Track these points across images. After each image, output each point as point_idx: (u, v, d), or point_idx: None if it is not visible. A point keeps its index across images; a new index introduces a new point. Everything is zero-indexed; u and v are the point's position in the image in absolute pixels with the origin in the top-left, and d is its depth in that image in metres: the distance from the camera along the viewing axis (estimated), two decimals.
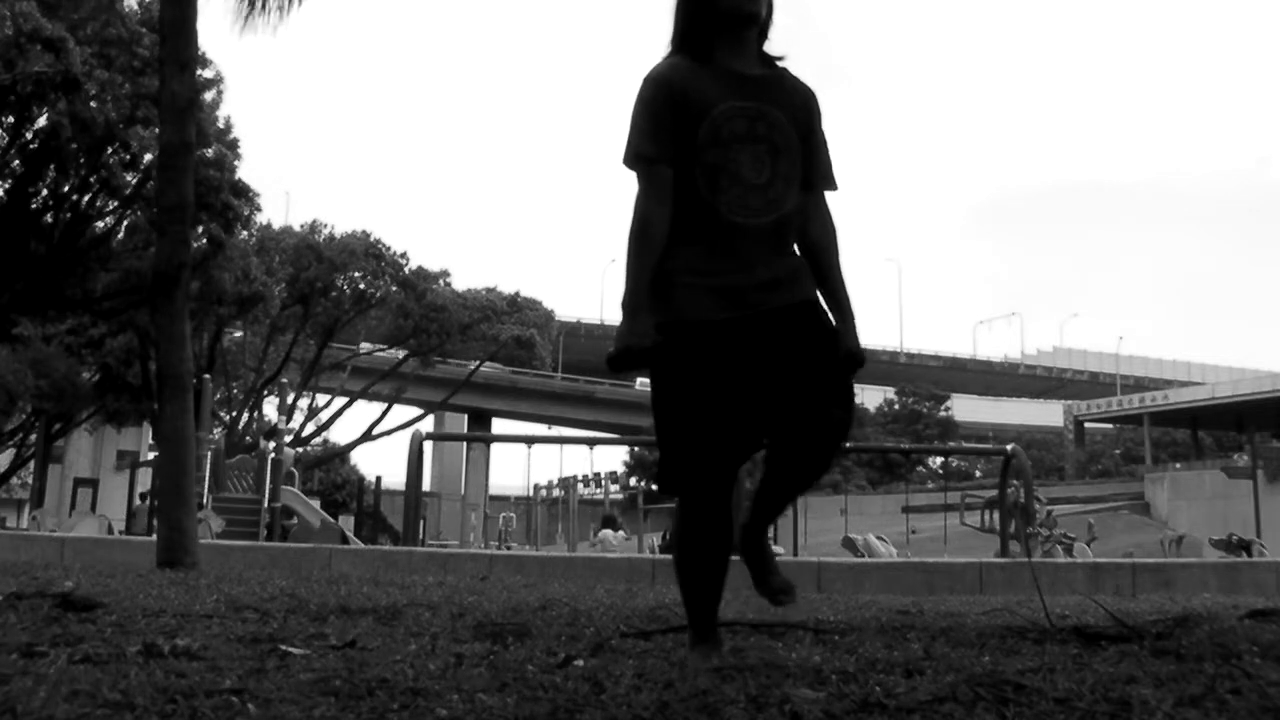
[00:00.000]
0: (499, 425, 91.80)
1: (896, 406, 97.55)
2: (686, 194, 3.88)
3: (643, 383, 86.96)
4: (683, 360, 3.81)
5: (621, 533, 28.49)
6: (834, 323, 4.06)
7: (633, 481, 76.63)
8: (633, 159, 3.95)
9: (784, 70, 4.11)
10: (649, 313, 3.84)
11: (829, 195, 4.18)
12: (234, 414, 48.98)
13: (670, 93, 3.92)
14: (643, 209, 3.90)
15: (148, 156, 31.38)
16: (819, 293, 4.08)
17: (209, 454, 27.35)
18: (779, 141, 3.93)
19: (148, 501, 32.63)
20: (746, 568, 4.09)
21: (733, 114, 3.90)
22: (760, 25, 4.03)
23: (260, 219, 39.12)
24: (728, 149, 3.88)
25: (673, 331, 3.82)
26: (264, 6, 14.63)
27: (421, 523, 22.74)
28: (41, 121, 32.43)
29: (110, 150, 32.46)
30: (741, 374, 3.79)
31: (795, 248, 4.06)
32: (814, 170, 4.09)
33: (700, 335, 3.80)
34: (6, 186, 34.42)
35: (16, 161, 33.69)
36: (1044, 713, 2.86)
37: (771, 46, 4.11)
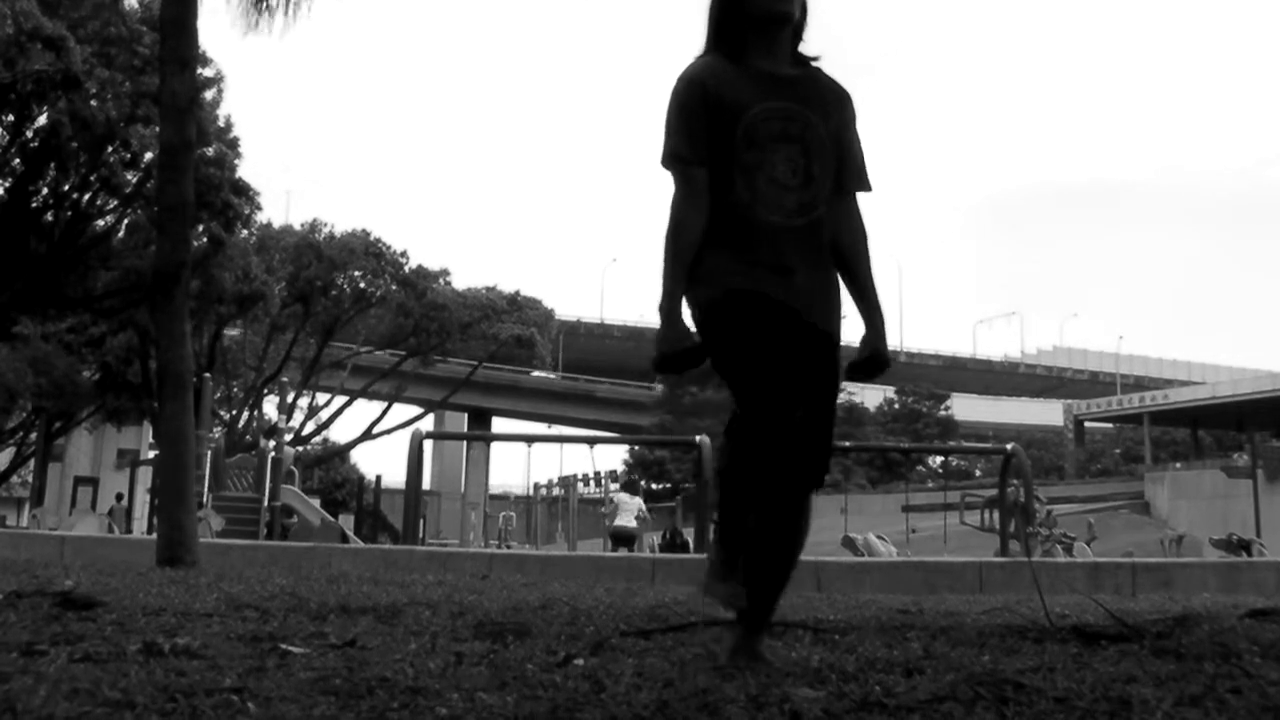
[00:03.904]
0: (499, 424, 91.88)
1: (896, 406, 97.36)
2: (722, 195, 3.89)
3: (641, 383, 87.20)
4: (737, 319, 3.80)
5: (639, 499, 28.17)
6: (863, 325, 4.09)
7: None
8: (669, 160, 3.96)
9: (817, 70, 4.11)
10: (683, 320, 3.85)
11: (863, 196, 4.17)
12: (234, 412, 49.04)
13: (704, 93, 3.92)
14: (678, 211, 3.90)
15: (148, 155, 31.44)
16: (851, 293, 4.10)
17: (209, 453, 27.38)
18: (812, 143, 3.93)
19: (124, 501, 32.75)
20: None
21: (767, 115, 3.90)
22: (794, 25, 4.03)
23: (260, 218, 39.19)
24: (763, 150, 3.88)
25: (723, 302, 3.83)
26: (269, 9, 14.62)
27: (421, 521, 22.79)
28: (42, 120, 32.49)
29: (110, 149, 32.51)
30: (783, 342, 3.77)
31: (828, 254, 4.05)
32: (846, 171, 4.09)
33: (750, 300, 3.80)
34: (7, 185, 34.47)
35: (17, 160, 33.75)
36: (1043, 712, 2.87)
37: (806, 47, 4.11)
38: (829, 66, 4.13)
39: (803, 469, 3.86)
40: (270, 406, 50.84)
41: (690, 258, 3.87)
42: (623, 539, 25.37)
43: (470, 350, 59.28)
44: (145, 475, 33.79)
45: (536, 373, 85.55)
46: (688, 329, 3.84)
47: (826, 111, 4.02)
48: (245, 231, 37.65)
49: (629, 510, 26.03)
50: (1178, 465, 75.49)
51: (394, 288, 51.25)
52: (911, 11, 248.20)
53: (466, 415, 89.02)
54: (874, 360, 4.07)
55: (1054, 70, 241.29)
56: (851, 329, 4.10)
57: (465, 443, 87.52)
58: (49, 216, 35.30)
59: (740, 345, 3.83)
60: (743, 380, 3.83)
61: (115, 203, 35.54)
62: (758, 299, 3.80)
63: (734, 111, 3.89)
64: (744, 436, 3.86)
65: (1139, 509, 65.47)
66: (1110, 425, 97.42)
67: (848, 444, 51.03)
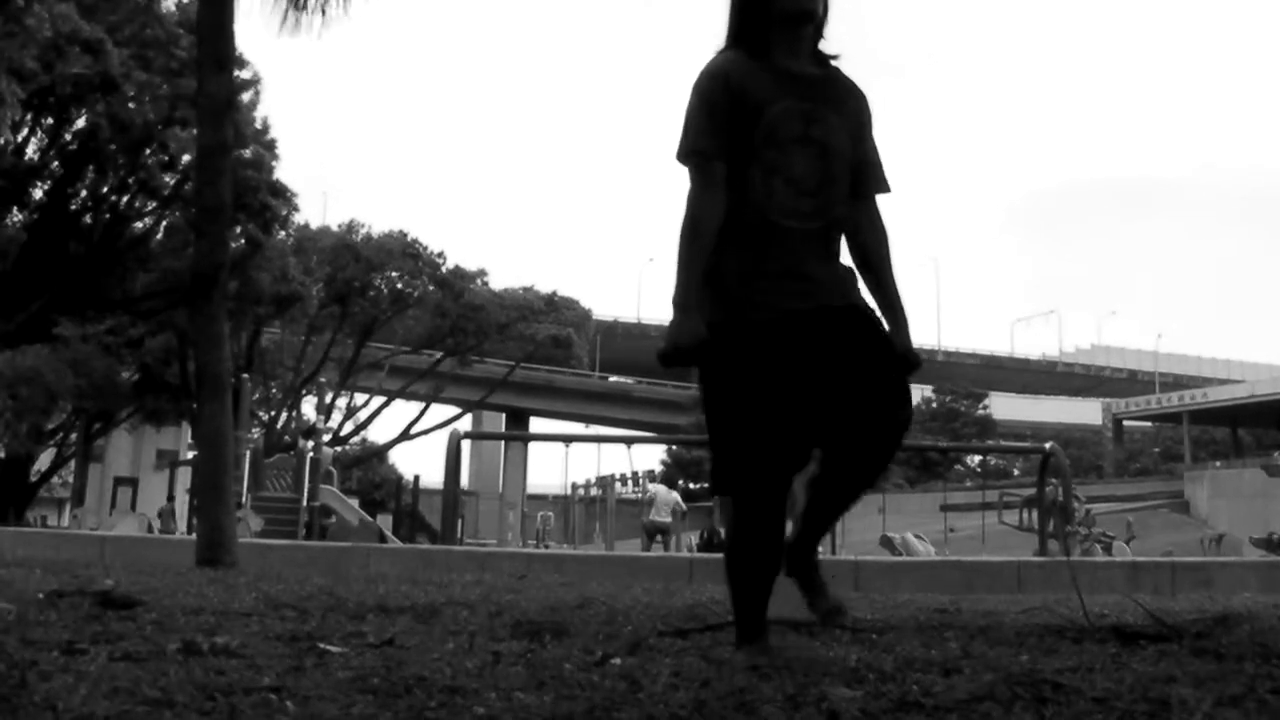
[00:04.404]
0: (536, 424, 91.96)
1: (934, 404, 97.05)
2: (738, 193, 3.87)
3: (679, 382, 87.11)
4: (735, 359, 3.79)
5: (675, 494, 28.26)
6: (885, 326, 4.06)
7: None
8: (687, 155, 3.93)
9: (837, 70, 4.09)
10: (699, 311, 3.82)
11: (894, 195, 4.16)
12: (272, 413, 49.17)
13: (727, 88, 3.89)
14: (695, 206, 3.87)
15: (186, 157, 31.61)
16: (874, 296, 4.09)
17: (248, 453, 27.50)
18: (831, 144, 3.91)
19: (173, 502, 32.94)
20: (796, 587, 4.07)
21: (788, 114, 3.88)
22: (816, 23, 4.01)
23: (298, 219, 39.39)
24: (782, 150, 3.86)
25: (725, 330, 3.81)
26: (305, 9, 14.65)
27: (459, 521, 22.80)
28: (80, 123, 32.73)
29: (148, 151, 32.69)
30: (795, 375, 3.76)
31: (843, 253, 4.04)
32: (866, 174, 4.07)
33: (752, 334, 3.78)
34: (46, 188, 34.72)
35: (56, 163, 33.94)
36: (1082, 712, 2.85)
37: (827, 45, 4.09)
38: (857, 64, 4.12)
39: (895, 421, 3.92)
40: (308, 407, 50.91)
41: (707, 252, 3.84)
42: (657, 532, 25.55)
43: (508, 351, 59.41)
44: (185, 476, 33.98)
45: (574, 373, 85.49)
46: (700, 325, 3.81)
47: (846, 113, 4.01)
48: (283, 233, 37.82)
49: (665, 504, 26.16)
50: (1217, 464, 75.10)
51: (431, 288, 51.31)
52: (951, 8, 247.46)
53: (504, 415, 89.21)
54: (903, 361, 4.05)
55: (1094, 66, 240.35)
56: None
57: (503, 443, 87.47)
58: (88, 219, 35.53)
59: (722, 400, 3.86)
60: (720, 441, 3.87)
61: (153, 205, 35.76)
62: (759, 333, 3.80)
63: (756, 108, 3.87)
64: (738, 517, 3.90)
65: (1178, 508, 65.13)
66: (1149, 424, 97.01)
67: None
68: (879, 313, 4.08)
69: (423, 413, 59.59)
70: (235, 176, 18.90)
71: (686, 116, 3.96)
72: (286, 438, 45.73)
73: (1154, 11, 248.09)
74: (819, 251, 3.90)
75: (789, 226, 3.84)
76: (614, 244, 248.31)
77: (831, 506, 4.07)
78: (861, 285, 4.08)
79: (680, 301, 3.82)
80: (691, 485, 73.51)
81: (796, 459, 3.80)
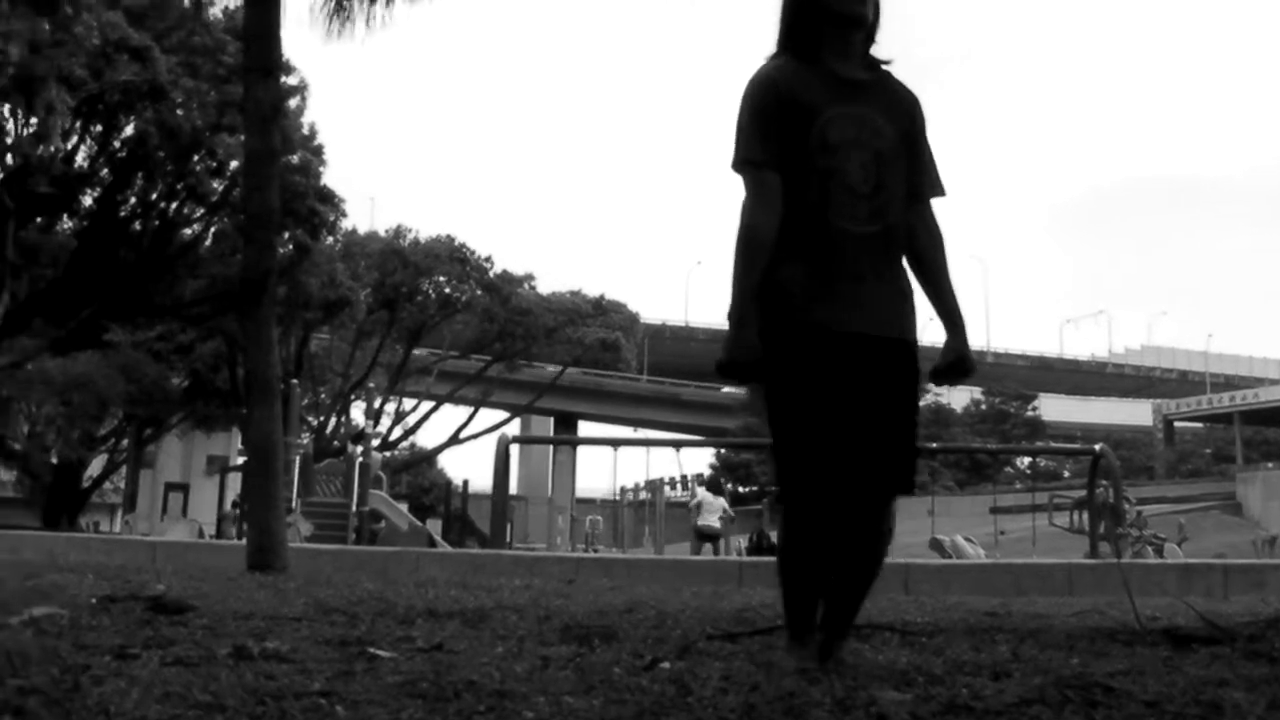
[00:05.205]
0: (585, 428, 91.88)
1: (983, 406, 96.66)
2: (794, 201, 3.84)
3: (728, 389, 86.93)
4: (795, 362, 3.76)
5: (723, 499, 28.22)
6: (945, 331, 4.05)
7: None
8: (740, 164, 3.91)
9: (888, 74, 4.07)
10: (756, 322, 3.81)
11: (937, 201, 4.13)
12: (322, 418, 49.24)
13: (778, 96, 3.88)
14: (750, 216, 3.84)
15: (233, 163, 31.66)
16: (930, 299, 4.06)
17: (297, 458, 27.55)
18: (884, 149, 3.88)
19: (236, 508, 33.14)
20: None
21: (840, 120, 3.86)
22: (867, 28, 3.99)
23: (345, 224, 39.39)
24: (835, 155, 3.83)
25: (786, 335, 3.79)
26: (350, 18, 14.70)
27: (508, 526, 22.84)
28: (129, 130, 32.82)
29: (196, 158, 32.79)
30: (848, 385, 3.75)
31: (903, 261, 4.02)
32: (920, 178, 4.04)
33: (813, 338, 3.76)
34: (96, 195, 34.86)
35: (105, 170, 34.10)
36: (1133, 715, 2.84)
37: (879, 50, 4.07)
38: (909, 64, 4.10)
39: (885, 479, 3.85)
40: (357, 412, 50.92)
41: (763, 263, 3.82)
42: (707, 537, 25.51)
43: (556, 354, 59.34)
44: (235, 481, 34.12)
45: (622, 376, 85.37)
46: (755, 339, 3.79)
47: (897, 117, 3.98)
48: (330, 238, 37.90)
49: (713, 510, 26.10)
50: (1270, 465, 74.40)
51: (479, 293, 51.19)
52: (997, 5, 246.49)
53: (552, 419, 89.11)
54: (958, 365, 4.01)
55: (1143, 64, 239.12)
56: (934, 334, 4.08)
57: (551, 447, 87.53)
58: (137, 225, 35.68)
59: (786, 401, 3.82)
60: (784, 443, 3.83)
61: (202, 211, 35.88)
62: (822, 340, 3.77)
63: (808, 115, 3.84)
64: (791, 518, 3.87)
65: (1230, 510, 64.51)
66: (1200, 425, 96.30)
67: (935, 445, 50.61)
68: (938, 318, 4.07)
69: (471, 417, 59.54)
70: (283, 182, 18.97)
71: (738, 125, 3.93)
72: (336, 443, 45.83)
73: (1207, 9, 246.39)
74: (878, 257, 3.86)
75: (848, 230, 3.81)
76: (662, 247, 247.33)
77: (838, 600, 4.01)
78: (918, 289, 4.06)
79: (736, 314, 3.81)
80: (740, 489, 73.40)
81: (852, 464, 3.76)
